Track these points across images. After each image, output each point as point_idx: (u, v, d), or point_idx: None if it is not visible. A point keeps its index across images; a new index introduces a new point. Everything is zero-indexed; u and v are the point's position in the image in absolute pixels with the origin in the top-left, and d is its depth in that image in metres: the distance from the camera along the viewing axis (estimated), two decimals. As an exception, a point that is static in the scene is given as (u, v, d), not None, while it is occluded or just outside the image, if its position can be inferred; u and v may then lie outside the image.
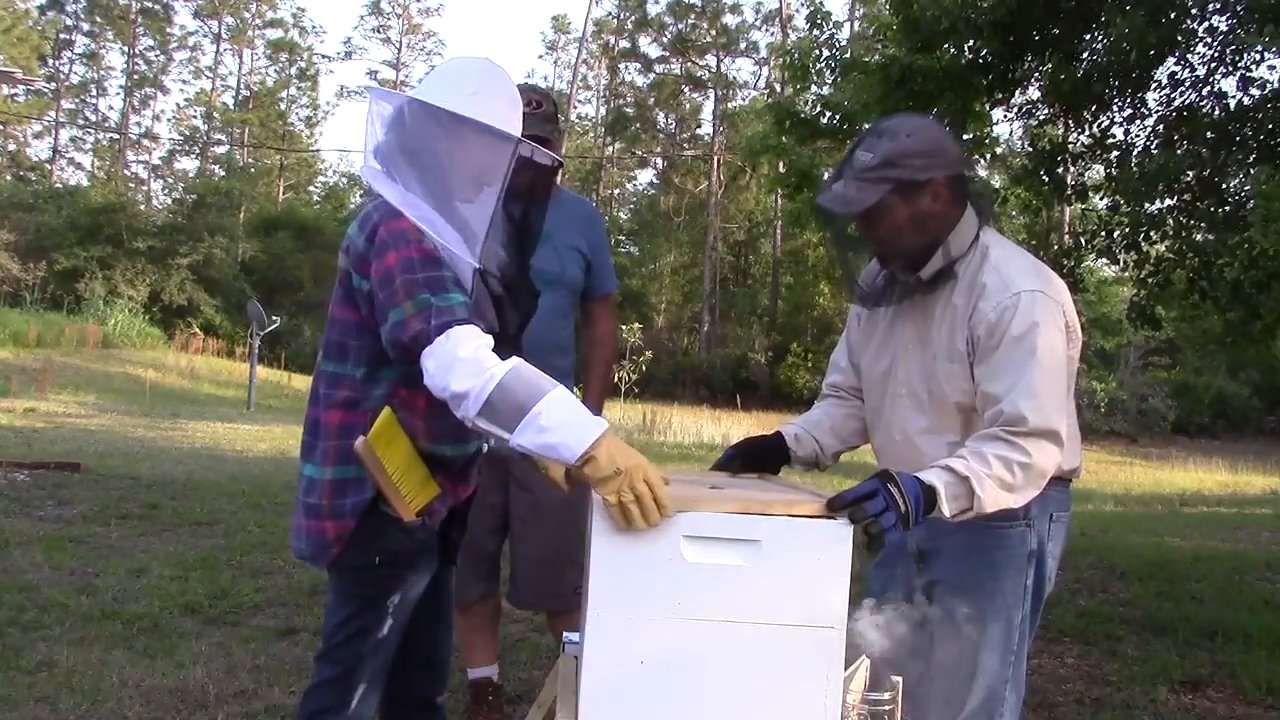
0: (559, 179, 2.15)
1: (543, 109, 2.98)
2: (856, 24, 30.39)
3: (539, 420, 1.73)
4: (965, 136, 6.49)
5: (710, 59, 43.12)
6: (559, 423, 1.74)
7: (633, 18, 43.48)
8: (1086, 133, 6.56)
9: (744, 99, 40.96)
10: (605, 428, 1.74)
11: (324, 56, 68.44)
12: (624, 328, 20.80)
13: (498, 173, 1.95)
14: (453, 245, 1.95)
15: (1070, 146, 6.74)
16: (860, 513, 1.72)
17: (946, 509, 1.86)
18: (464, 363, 1.79)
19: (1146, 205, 5.99)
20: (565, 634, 2.07)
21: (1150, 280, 6.58)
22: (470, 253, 1.96)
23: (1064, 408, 2.00)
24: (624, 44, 44.69)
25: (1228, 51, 5.66)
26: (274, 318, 21.53)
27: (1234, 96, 5.89)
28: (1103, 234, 6.50)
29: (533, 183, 2.01)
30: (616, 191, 46.28)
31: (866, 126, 6.49)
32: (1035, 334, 1.97)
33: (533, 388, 1.77)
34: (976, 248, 2.08)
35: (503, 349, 1.91)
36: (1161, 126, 6.16)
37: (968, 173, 2.13)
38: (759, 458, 2.22)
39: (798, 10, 38.35)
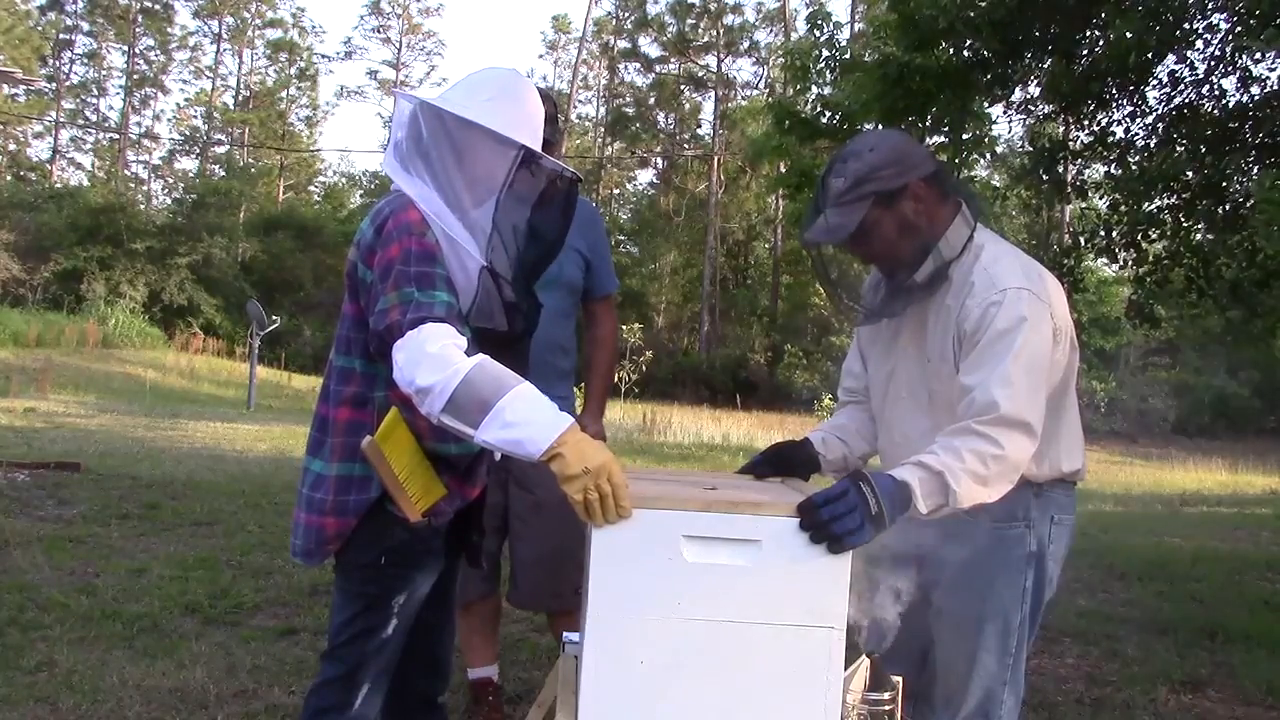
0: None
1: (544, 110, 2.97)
2: (858, 24, 30.38)
3: (503, 415, 1.73)
4: (964, 136, 6.50)
5: (710, 59, 43.14)
6: (523, 418, 1.73)
7: (633, 18, 43.49)
8: (1086, 130, 6.57)
9: (744, 99, 40.96)
10: (571, 424, 1.73)
11: (324, 56, 68.36)
12: (624, 328, 20.78)
13: (499, 177, 1.97)
14: (462, 240, 1.97)
15: (1070, 144, 6.75)
16: (815, 518, 1.69)
17: (922, 506, 1.84)
18: (431, 357, 1.79)
19: (1145, 204, 6.01)
20: (565, 634, 2.08)
21: (1149, 279, 6.59)
22: (479, 251, 1.97)
23: (1039, 404, 1.98)
24: (624, 44, 44.70)
25: (1228, 50, 5.66)
26: (274, 318, 21.52)
27: (1234, 95, 5.90)
28: (1102, 233, 6.51)
29: (546, 192, 2.02)
30: (616, 191, 46.29)
31: (863, 128, 6.52)
32: (1019, 330, 1.96)
33: (498, 383, 1.76)
34: (970, 249, 2.08)
35: (508, 352, 1.91)
36: (1161, 125, 6.17)
37: (939, 170, 2.13)
38: (787, 463, 2.21)
39: (798, 11, 38.43)
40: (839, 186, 2.05)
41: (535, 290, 2.12)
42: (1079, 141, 6.75)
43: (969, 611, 2.13)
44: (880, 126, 6.30)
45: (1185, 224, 6.29)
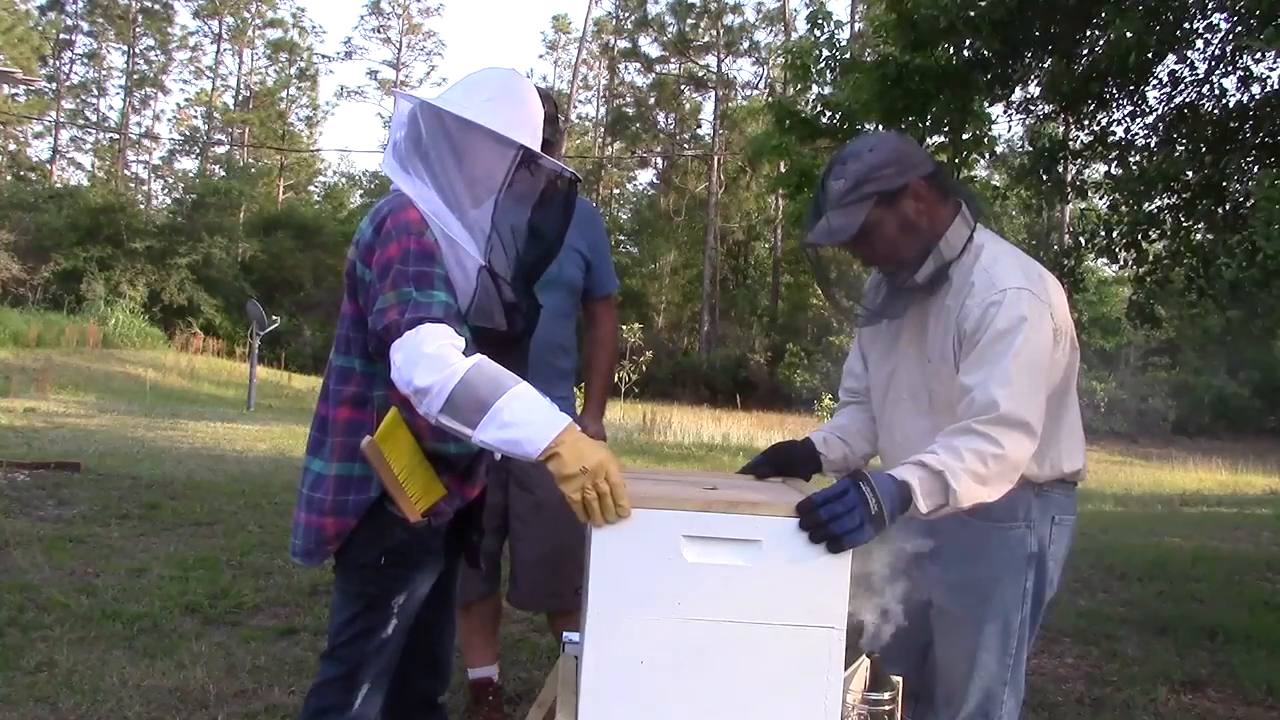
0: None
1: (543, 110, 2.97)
2: (858, 24, 30.39)
3: (501, 416, 1.72)
4: (964, 136, 6.50)
5: (710, 59, 43.14)
6: (521, 419, 1.73)
7: (633, 18, 43.50)
8: (1086, 130, 6.57)
9: (744, 99, 40.96)
10: (568, 424, 1.73)
11: (324, 56, 68.38)
12: (624, 328, 20.80)
13: (498, 177, 1.97)
14: (460, 240, 1.97)
15: (1070, 144, 6.75)
16: (815, 518, 1.69)
17: (922, 505, 1.84)
18: (429, 358, 1.78)
19: (1145, 204, 6.01)
20: (565, 634, 2.08)
21: (1149, 279, 6.60)
22: (478, 250, 1.97)
23: (1039, 404, 1.97)
24: (624, 44, 44.70)
25: (1228, 50, 5.66)
26: (274, 317, 21.51)
27: (1234, 95, 5.90)
28: (1102, 233, 6.51)
29: (545, 192, 2.02)
30: (616, 191, 46.29)
31: (863, 128, 6.51)
32: (1019, 330, 1.96)
33: (495, 384, 1.76)
34: (970, 249, 2.08)
35: (508, 352, 1.90)
36: (1161, 125, 6.17)
37: (938, 170, 2.13)
38: (788, 463, 2.21)
39: (798, 11, 38.43)
40: (840, 188, 2.05)
41: (535, 290, 2.12)
42: (1079, 141, 6.75)
43: (969, 612, 2.13)
44: (880, 127, 6.30)
45: (1185, 224, 6.29)
